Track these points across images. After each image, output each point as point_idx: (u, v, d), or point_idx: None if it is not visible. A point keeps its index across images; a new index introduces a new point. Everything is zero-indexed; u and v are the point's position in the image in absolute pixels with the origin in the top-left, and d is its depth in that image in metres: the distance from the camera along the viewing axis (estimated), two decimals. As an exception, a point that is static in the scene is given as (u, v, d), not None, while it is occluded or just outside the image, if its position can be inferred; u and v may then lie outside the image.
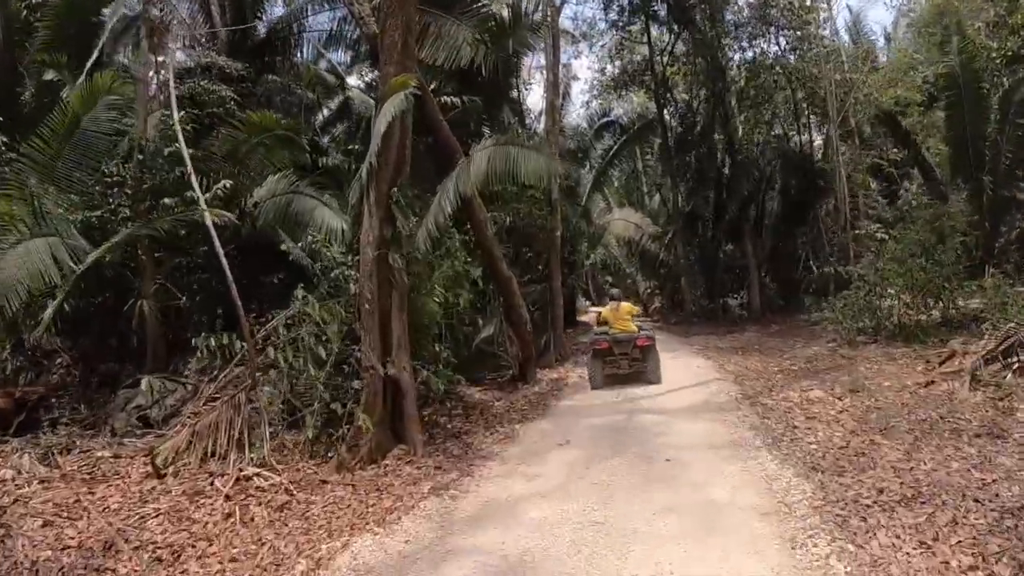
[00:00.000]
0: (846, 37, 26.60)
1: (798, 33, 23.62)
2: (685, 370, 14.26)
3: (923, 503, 5.69)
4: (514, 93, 20.93)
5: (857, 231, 20.74)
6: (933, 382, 10.53)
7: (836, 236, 20.83)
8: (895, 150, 21.83)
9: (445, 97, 14.48)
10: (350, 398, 8.95)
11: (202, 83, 13.84)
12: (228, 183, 10.63)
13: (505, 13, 13.82)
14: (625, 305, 13.56)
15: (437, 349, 10.52)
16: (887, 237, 17.88)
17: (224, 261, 8.85)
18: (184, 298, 12.00)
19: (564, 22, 28.12)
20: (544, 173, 10.23)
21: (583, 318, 32.03)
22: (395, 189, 9.24)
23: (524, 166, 10.06)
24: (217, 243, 9.00)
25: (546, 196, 17.03)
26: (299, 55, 19.32)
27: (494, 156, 10.20)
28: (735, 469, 7.18)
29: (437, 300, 10.23)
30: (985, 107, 17.35)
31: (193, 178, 9.58)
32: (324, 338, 8.97)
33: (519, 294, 13.80)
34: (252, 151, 12.66)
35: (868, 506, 5.83)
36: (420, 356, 10.07)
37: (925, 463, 6.71)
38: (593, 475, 7.44)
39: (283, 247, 10.09)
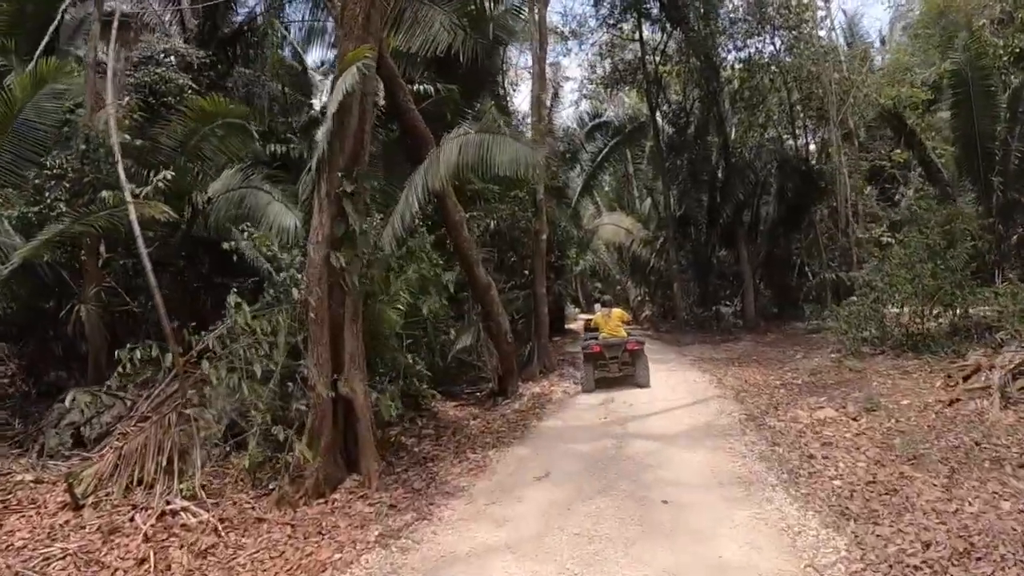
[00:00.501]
0: (841, 39, 25.52)
1: (794, 32, 22.50)
2: (681, 385, 12.95)
3: (979, 559, 4.74)
4: (499, 90, 19.65)
5: (860, 235, 19.60)
6: (958, 400, 9.38)
7: (837, 240, 19.63)
8: (897, 151, 20.67)
9: (419, 85, 13.21)
10: (297, 420, 7.65)
11: (157, 71, 12.55)
12: (169, 174, 9.31)
13: (485, -2, 12.59)
14: (616, 311, 13.93)
15: (402, 362, 9.19)
16: (892, 241, 16.72)
17: (147, 261, 7.63)
18: (135, 303, 10.73)
19: (553, 17, 27.09)
20: (522, 164, 8.89)
21: (572, 325, 30.76)
22: (349, 180, 7.93)
23: (499, 156, 8.79)
24: (140, 241, 7.78)
25: (530, 196, 15.77)
26: (282, 50, 17.95)
27: (466, 145, 8.94)
28: (747, 515, 5.91)
29: (401, 308, 8.92)
30: (994, 105, 16.18)
31: (120, 168, 8.31)
32: (262, 352, 7.64)
33: (499, 302, 12.53)
34: (203, 141, 11.36)
35: (916, 567, 4.65)
36: (380, 372, 8.77)
37: (970, 503, 5.64)
38: (575, 522, 6.14)
39: (226, 246, 8.73)
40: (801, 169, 23.24)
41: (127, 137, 9.66)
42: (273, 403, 7.69)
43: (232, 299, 7.61)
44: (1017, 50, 17.62)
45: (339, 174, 7.93)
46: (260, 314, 7.91)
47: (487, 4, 12.96)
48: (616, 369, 12.86)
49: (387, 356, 8.85)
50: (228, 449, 8.30)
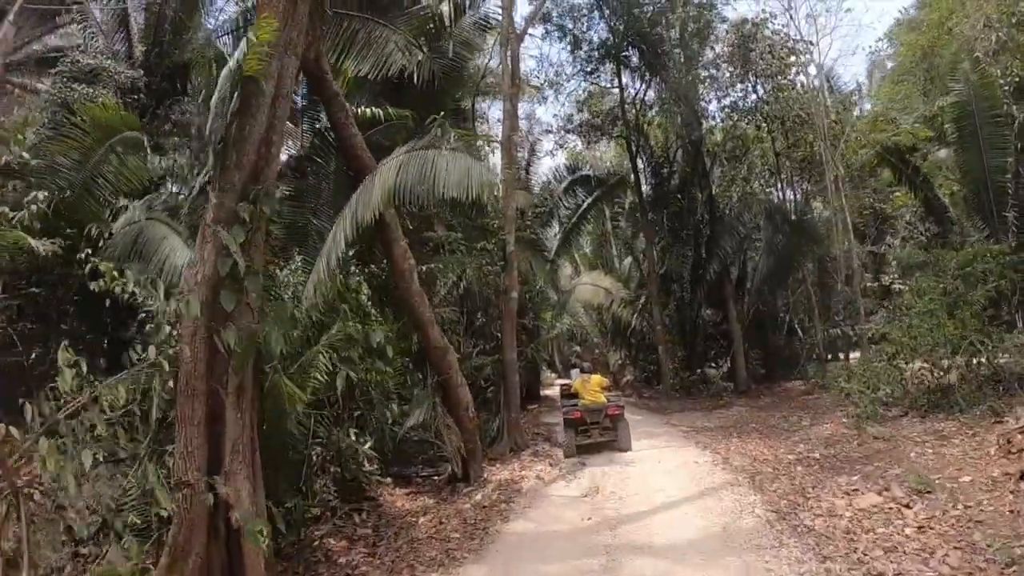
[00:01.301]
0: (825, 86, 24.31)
1: (779, 79, 21.25)
2: (680, 468, 10.60)
3: None
4: (466, 115, 17.75)
5: (867, 283, 17.82)
6: (1030, 470, 7.43)
7: (835, 293, 17.74)
8: (897, 193, 19.03)
9: (367, 108, 11.32)
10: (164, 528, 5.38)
11: (78, 87, 10.72)
12: (41, 195, 7.17)
13: (445, 8, 10.83)
14: (595, 377, 13.47)
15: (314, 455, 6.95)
16: (904, 288, 14.96)
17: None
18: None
19: (528, 62, 25.72)
20: (475, 182, 6.82)
21: (548, 391, 28.52)
22: (247, 202, 5.86)
23: (447, 174, 6.75)
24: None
25: (500, 249, 13.78)
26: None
27: (407, 164, 6.94)
28: None
29: (320, 378, 6.72)
30: (1003, 137, 14.67)
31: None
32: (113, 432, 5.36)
33: (458, 370, 10.31)
34: (103, 162, 9.30)
35: None
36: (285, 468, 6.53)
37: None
38: None
39: (94, 286, 6.51)
40: (791, 220, 21.60)
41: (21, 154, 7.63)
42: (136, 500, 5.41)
43: (62, 356, 5.34)
44: (1017, 78, 16.21)
45: (234, 194, 5.86)
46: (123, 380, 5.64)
47: (448, 17, 11.12)
48: (597, 435, 12.46)
49: (293, 446, 6.56)
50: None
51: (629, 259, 28.18)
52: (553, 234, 25.39)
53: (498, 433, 13.04)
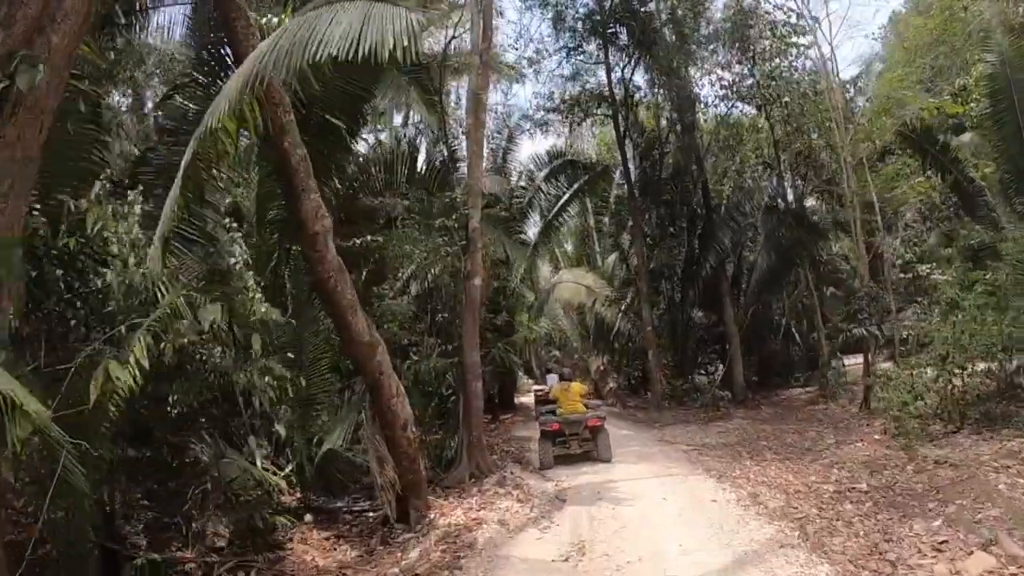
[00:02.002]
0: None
1: (779, 62, 18.90)
2: (696, 510, 7.75)
3: None
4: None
5: (899, 275, 15.44)
6: None
7: (861, 288, 15.17)
8: (918, 179, 16.58)
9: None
10: None
11: None
12: None
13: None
14: (575, 385, 12.89)
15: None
16: (944, 277, 12.61)
17: None
18: None
19: (504, 31, 23.08)
20: (374, 34, 3.98)
21: (524, 399, 25.91)
22: None
23: (332, 29, 3.99)
24: None
25: (462, 227, 11.15)
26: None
27: (285, 33, 4.24)
28: None
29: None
30: (1046, 109, 12.38)
31: None
32: None
33: (392, 373, 7.56)
34: None
35: None
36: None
37: None
38: None
39: None
40: (794, 211, 19.20)
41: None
42: None
43: None
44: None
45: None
46: None
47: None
48: (576, 446, 12.00)
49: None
50: None
51: (614, 256, 25.58)
52: (531, 224, 22.90)
53: (456, 455, 10.37)
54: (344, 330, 7.13)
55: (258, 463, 6.31)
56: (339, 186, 9.93)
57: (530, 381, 32.56)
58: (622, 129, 19.75)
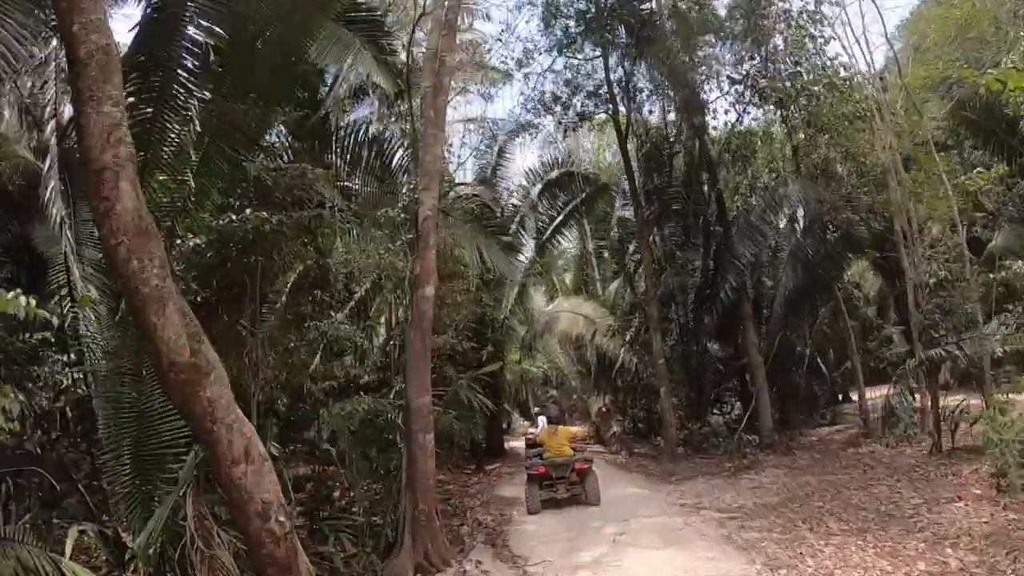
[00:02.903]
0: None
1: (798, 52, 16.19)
2: None
3: None
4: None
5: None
6: None
7: (906, 311, 12.06)
8: (980, 171, 13.47)
9: None
10: None
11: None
12: None
13: None
14: (563, 428, 12.49)
15: None
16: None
17: None
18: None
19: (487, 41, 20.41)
20: None
21: (517, 443, 22.55)
22: None
23: None
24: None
25: (411, 217, 8.06)
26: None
27: None
28: None
29: None
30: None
31: None
32: None
33: (242, 428, 4.24)
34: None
35: None
36: None
37: None
38: None
39: None
40: (824, 221, 16.16)
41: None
42: None
43: None
44: None
45: None
46: None
47: None
48: (563, 490, 11.42)
49: None
50: None
51: (615, 284, 22.38)
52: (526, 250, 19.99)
53: (397, 537, 7.06)
54: (146, 339, 3.99)
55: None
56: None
57: (526, 423, 29.17)
58: (624, 130, 16.70)
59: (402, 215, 8.11)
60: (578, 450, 11.92)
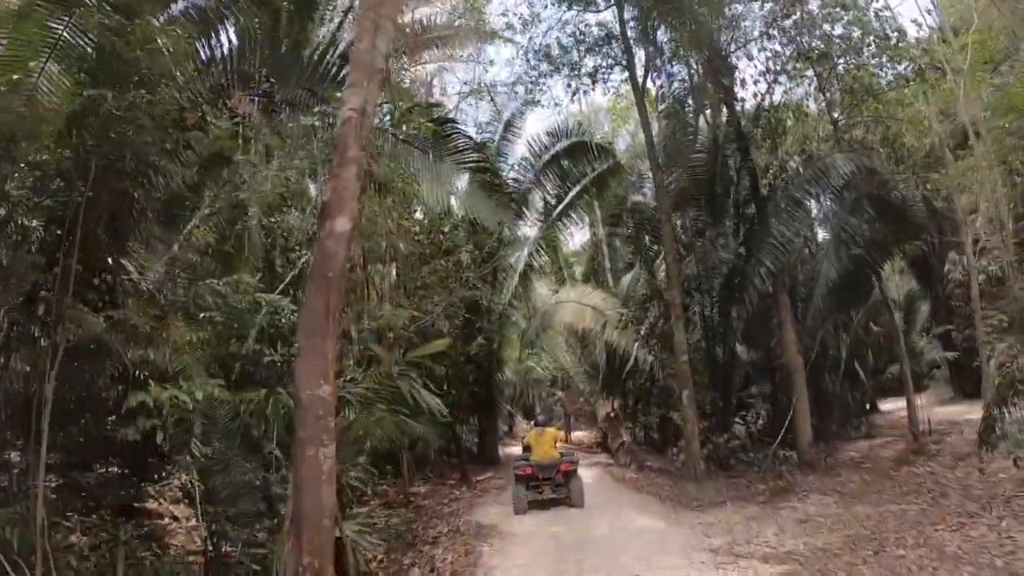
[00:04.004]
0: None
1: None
2: None
3: None
4: None
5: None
6: None
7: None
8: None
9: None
10: None
11: None
12: None
13: None
14: (549, 431, 12.14)
15: None
16: None
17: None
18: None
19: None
20: None
21: (515, 448, 19.73)
22: None
23: None
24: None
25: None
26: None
27: None
28: None
29: None
30: None
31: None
32: None
33: None
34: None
35: None
36: None
37: None
38: None
39: None
40: (881, 196, 13.29)
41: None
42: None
43: None
44: None
45: None
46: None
47: None
48: (549, 491, 11.17)
49: None
50: None
51: (629, 276, 19.44)
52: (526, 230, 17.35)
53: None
54: None
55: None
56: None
57: (528, 424, 26.29)
58: (641, 83, 13.79)
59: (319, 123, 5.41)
60: (564, 453, 11.81)
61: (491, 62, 18.87)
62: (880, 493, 10.31)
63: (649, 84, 14.80)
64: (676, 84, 14.01)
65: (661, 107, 14.30)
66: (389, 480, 13.54)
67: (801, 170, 13.69)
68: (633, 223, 17.19)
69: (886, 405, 21.27)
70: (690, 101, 14.75)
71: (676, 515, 9.69)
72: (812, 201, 13.18)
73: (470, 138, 8.98)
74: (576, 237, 24.38)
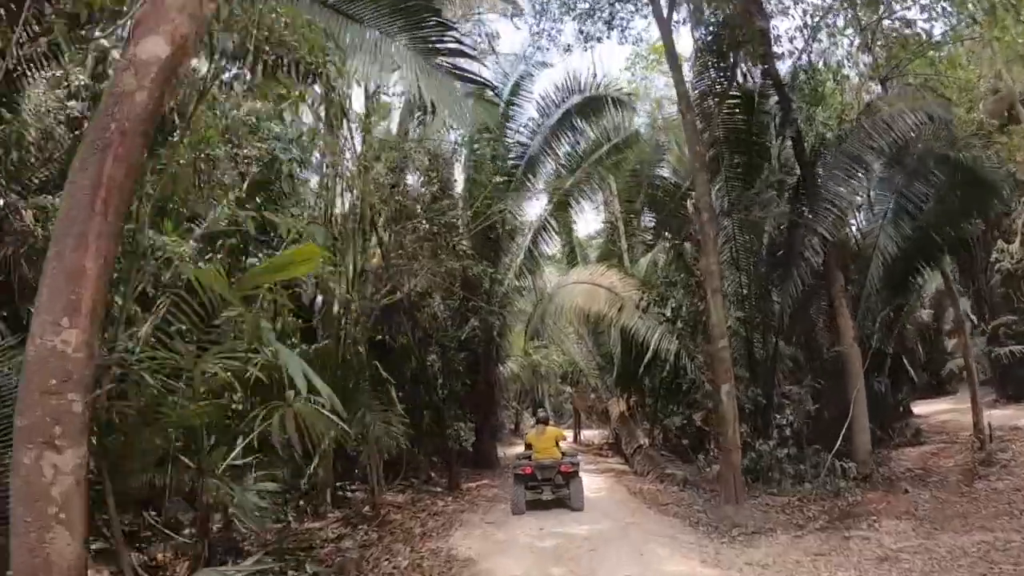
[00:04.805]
0: None
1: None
2: None
3: None
4: None
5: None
6: None
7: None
8: None
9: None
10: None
11: None
12: None
13: None
14: (551, 430, 11.42)
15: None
16: None
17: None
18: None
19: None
20: None
21: (518, 448, 17.36)
22: None
23: None
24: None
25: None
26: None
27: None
28: None
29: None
30: None
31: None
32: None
33: None
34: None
35: None
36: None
37: None
38: None
39: None
40: (951, 157, 10.88)
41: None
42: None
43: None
44: None
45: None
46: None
47: None
48: (549, 492, 10.41)
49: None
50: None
51: (648, 257, 16.97)
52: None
53: None
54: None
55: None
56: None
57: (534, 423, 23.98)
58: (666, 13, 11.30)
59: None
60: (566, 453, 11.19)
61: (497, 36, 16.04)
62: (964, 517, 8.14)
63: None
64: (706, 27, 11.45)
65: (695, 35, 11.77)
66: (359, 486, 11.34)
67: (861, 121, 11.17)
68: (653, 197, 14.89)
69: (917, 408, 18.76)
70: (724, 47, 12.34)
71: (715, 549, 7.26)
72: (873, 154, 10.62)
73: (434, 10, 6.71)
74: (590, 223, 22.11)
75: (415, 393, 12.88)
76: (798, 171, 11.94)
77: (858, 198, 12.10)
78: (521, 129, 15.76)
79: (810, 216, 10.83)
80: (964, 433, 13.65)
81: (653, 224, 16.23)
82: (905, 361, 16.92)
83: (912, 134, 10.60)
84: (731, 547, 7.40)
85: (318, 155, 10.14)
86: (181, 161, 5.00)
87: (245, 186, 7.28)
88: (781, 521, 8.43)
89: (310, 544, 7.97)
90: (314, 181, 11.63)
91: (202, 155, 5.50)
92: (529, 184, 15.50)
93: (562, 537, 7.99)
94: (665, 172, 16.01)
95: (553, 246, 18.70)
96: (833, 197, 10.74)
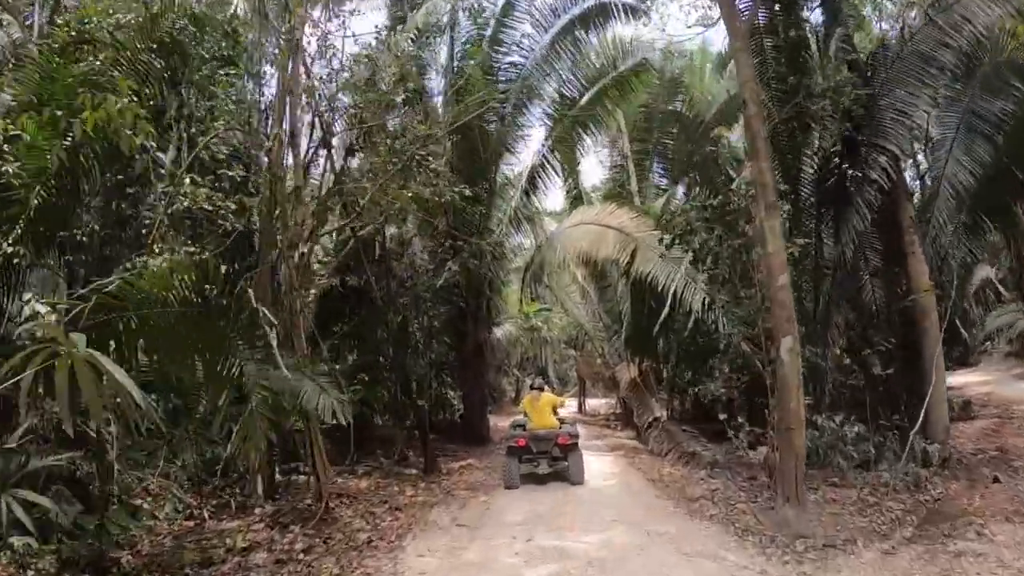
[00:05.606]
0: None
1: None
2: None
3: None
4: None
5: None
6: None
7: None
8: None
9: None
10: None
11: None
12: None
13: None
14: (546, 396, 10.59)
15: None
16: None
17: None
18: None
19: None
20: None
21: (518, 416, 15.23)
22: None
23: None
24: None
25: None
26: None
27: None
28: None
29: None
30: None
31: None
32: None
33: None
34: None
35: None
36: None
37: None
38: None
39: None
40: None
41: None
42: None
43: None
44: None
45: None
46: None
47: None
48: (545, 466, 9.86)
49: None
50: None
51: (663, 199, 14.53)
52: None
53: None
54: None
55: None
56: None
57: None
58: None
59: None
60: (564, 421, 10.62)
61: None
62: None
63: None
64: None
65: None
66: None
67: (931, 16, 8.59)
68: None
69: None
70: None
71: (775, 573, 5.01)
72: (950, 52, 8.13)
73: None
74: (595, 173, 19.57)
75: (398, 355, 10.62)
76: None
77: (932, 111, 9.57)
78: (514, 47, 13.25)
79: (872, 135, 8.37)
80: (1017, 407, 12.38)
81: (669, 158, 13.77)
82: (958, 322, 14.63)
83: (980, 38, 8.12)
84: (798, 570, 5.11)
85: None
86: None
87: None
88: (859, 527, 6.13)
89: (209, 558, 5.77)
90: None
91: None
92: (525, 107, 13.07)
93: (558, 558, 5.64)
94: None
95: (555, 190, 16.33)
96: (903, 106, 8.29)
